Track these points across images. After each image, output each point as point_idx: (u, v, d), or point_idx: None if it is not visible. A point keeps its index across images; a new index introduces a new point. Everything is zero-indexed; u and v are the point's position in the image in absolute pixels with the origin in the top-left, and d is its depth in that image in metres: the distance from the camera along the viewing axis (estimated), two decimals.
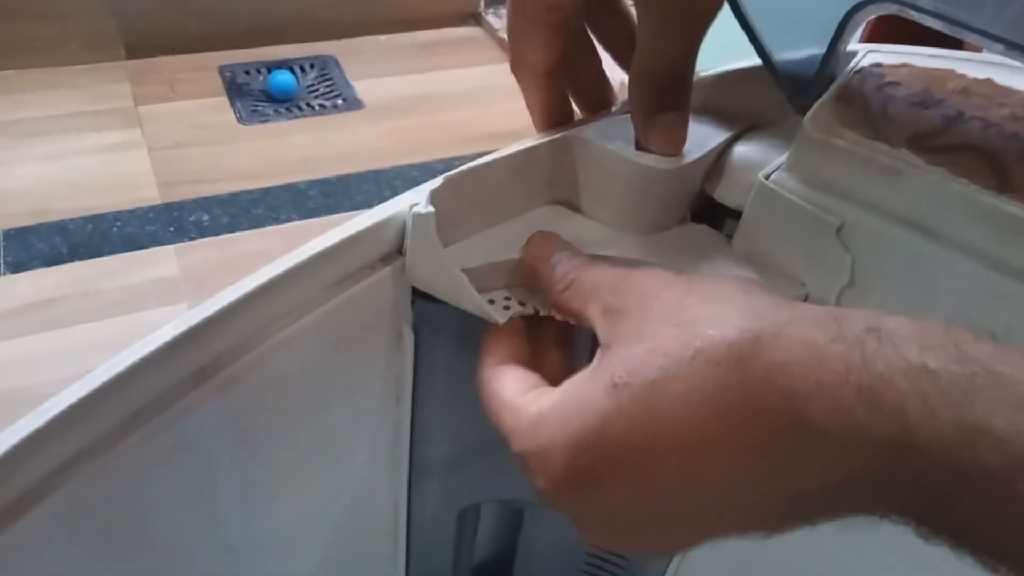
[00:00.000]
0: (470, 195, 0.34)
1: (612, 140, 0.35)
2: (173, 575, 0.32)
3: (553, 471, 0.26)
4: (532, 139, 0.36)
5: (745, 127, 0.38)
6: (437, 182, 0.32)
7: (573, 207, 0.38)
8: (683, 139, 0.35)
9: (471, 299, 0.32)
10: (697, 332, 0.23)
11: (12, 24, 1.40)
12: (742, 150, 0.37)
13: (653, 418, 0.23)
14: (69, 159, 1.32)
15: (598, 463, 0.24)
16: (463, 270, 0.32)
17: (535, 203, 0.37)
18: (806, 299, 0.35)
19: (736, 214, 0.37)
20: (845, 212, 0.32)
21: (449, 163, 1.54)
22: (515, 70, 0.37)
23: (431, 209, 0.31)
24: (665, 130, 0.34)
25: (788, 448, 0.21)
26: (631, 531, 0.26)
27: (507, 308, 0.34)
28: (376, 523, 0.42)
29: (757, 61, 0.38)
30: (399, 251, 0.33)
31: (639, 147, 0.35)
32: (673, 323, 0.25)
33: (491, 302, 0.34)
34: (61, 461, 0.25)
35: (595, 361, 0.27)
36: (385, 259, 0.33)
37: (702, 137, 0.37)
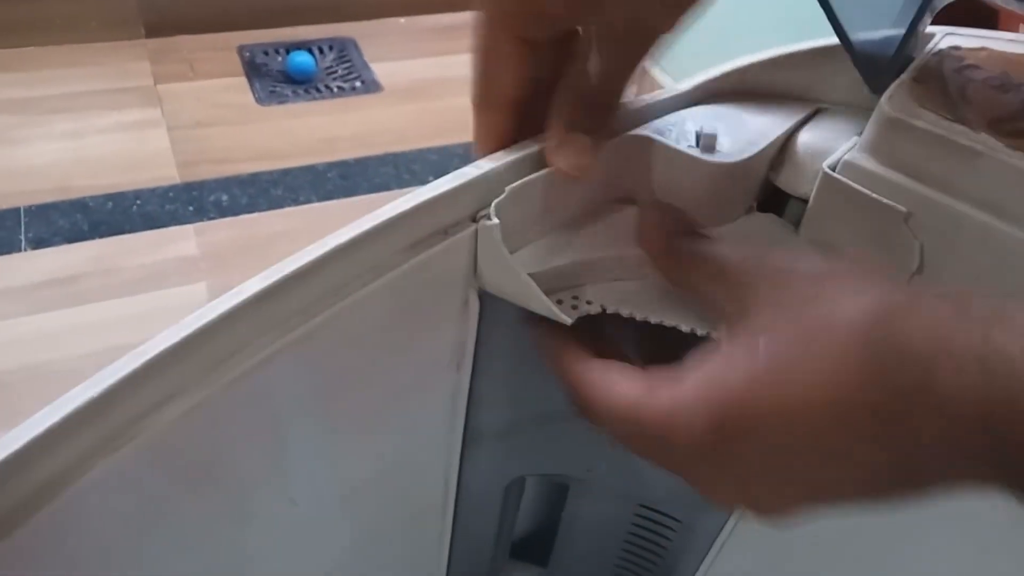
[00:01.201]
0: (533, 203, 0.34)
1: (673, 136, 0.35)
2: (243, 524, 0.32)
3: (696, 431, 0.26)
4: None
5: (810, 112, 0.38)
6: (502, 194, 0.33)
7: (633, 203, 0.38)
8: (589, 166, 0.33)
9: (539, 302, 0.33)
10: (836, 306, 0.25)
11: (34, 2, 1.40)
12: (806, 137, 0.37)
13: (794, 384, 0.24)
14: (89, 137, 1.32)
15: (740, 423, 0.25)
16: (530, 275, 0.33)
17: (597, 203, 0.38)
18: None
19: (802, 199, 0.37)
20: (919, 193, 0.32)
21: (467, 147, 1.54)
22: (481, 98, 0.35)
23: (496, 221, 0.32)
24: (576, 153, 0.33)
25: (913, 411, 0.22)
26: (760, 492, 0.27)
27: (575, 308, 0.35)
28: (428, 490, 0.42)
29: (816, 42, 0.38)
30: (471, 218, 0.33)
31: (547, 149, 0.33)
32: (811, 297, 0.26)
33: (559, 302, 0.35)
34: (153, 402, 0.25)
35: (724, 332, 0.28)
36: (457, 225, 0.33)
37: (766, 126, 0.37)
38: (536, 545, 0.55)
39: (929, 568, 0.43)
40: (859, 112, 0.36)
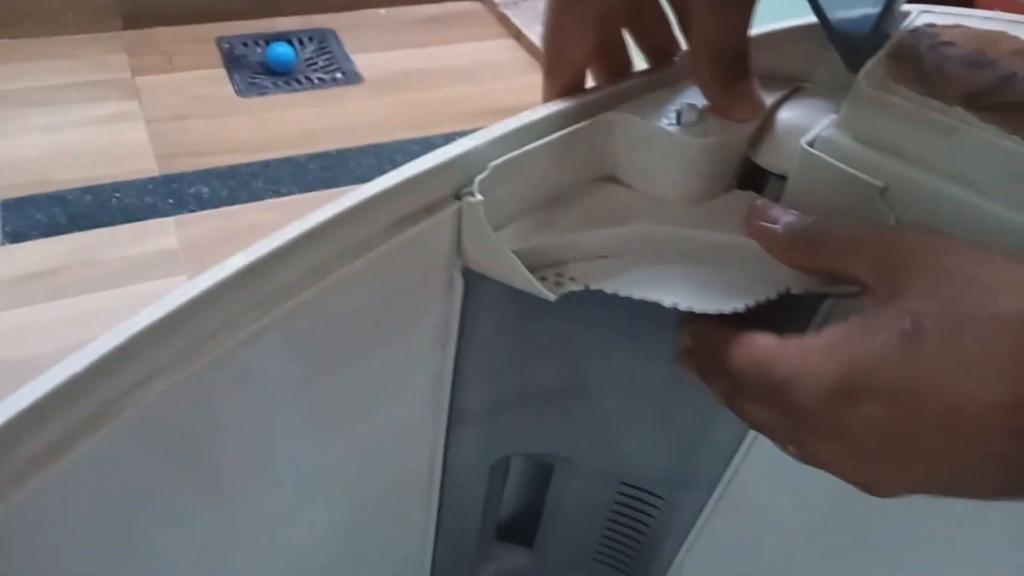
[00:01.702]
0: (516, 180, 0.35)
1: (653, 116, 0.36)
2: (224, 502, 0.32)
3: (823, 381, 0.27)
4: (566, 113, 0.36)
5: (788, 91, 0.39)
6: (485, 171, 0.33)
7: (617, 181, 0.38)
8: (763, 100, 0.36)
9: (523, 278, 0.33)
10: (993, 298, 0.25)
11: None
12: (785, 115, 0.38)
13: (939, 370, 0.24)
14: (67, 130, 1.31)
15: (868, 388, 0.26)
16: (514, 251, 0.33)
17: (581, 181, 0.38)
18: None
19: (781, 176, 0.37)
20: (896, 168, 0.33)
21: (449, 138, 1.53)
22: (552, 66, 0.37)
23: (480, 198, 0.32)
24: (747, 98, 0.35)
25: None
26: (877, 471, 0.28)
27: (558, 284, 0.35)
28: (413, 470, 0.42)
29: (796, 21, 0.38)
30: (454, 195, 0.34)
31: (719, 111, 0.36)
32: (968, 285, 0.26)
33: (542, 279, 0.35)
34: (134, 381, 0.25)
35: (869, 310, 0.29)
36: (441, 203, 0.33)
37: None
38: (522, 526, 0.55)
39: (905, 554, 0.43)
40: (838, 91, 0.37)
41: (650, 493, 0.49)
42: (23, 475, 0.24)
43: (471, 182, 0.33)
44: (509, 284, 0.33)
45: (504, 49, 1.64)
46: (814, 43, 0.37)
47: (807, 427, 0.29)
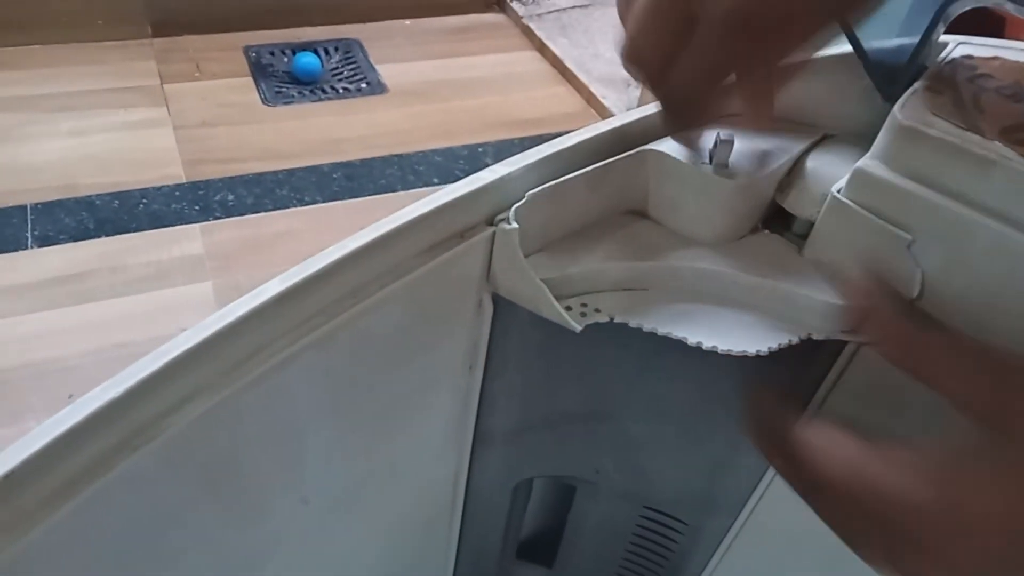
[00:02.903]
0: (549, 209, 0.35)
1: (687, 153, 0.36)
2: (256, 521, 0.33)
3: (940, 515, 0.25)
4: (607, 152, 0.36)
5: (818, 138, 0.39)
6: (522, 199, 0.33)
7: (647, 215, 0.38)
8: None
9: (551, 307, 0.33)
10: None
11: (40, 0, 1.40)
12: (815, 161, 0.38)
13: None
14: (95, 135, 1.33)
15: (990, 527, 0.25)
16: (543, 280, 0.34)
17: (610, 213, 0.38)
18: None
19: (808, 221, 0.37)
20: (932, 201, 0.33)
21: (472, 149, 1.55)
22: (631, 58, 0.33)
23: (516, 226, 0.33)
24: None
25: None
26: (967, 574, 0.26)
27: (583, 315, 0.35)
28: (438, 489, 0.43)
29: (831, 50, 0.38)
30: (487, 222, 0.34)
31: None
32: None
33: (568, 309, 0.35)
34: (172, 403, 0.26)
35: (988, 444, 0.27)
36: (473, 229, 0.33)
37: (776, 148, 0.37)
38: (542, 546, 0.55)
39: None
40: (866, 141, 0.36)
41: (673, 517, 0.49)
42: (61, 497, 0.24)
43: (504, 208, 0.34)
44: (536, 312, 0.34)
45: (527, 61, 1.65)
46: (845, 76, 0.37)
47: (903, 543, 0.27)
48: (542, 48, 1.63)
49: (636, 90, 1.47)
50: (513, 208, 0.33)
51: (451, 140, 1.41)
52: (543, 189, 0.34)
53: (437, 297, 0.34)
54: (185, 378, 0.26)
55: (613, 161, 0.36)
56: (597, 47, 1.62)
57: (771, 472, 0.45)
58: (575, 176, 0.35)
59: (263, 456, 0.31)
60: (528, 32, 1.67)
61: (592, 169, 0.35)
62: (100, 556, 0.27)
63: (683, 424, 0.44)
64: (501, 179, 0.33)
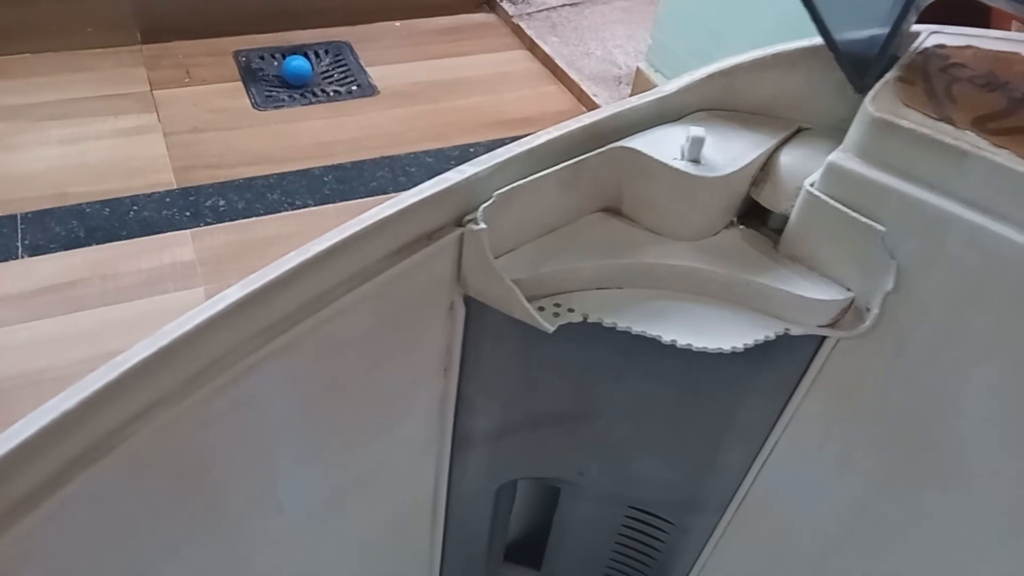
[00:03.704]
0: (520, 209, 0.34)
1: (660, 150, 0.35)
2: (228, 532, 0.32)
3: None
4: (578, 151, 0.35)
5: (791, 132, 0.38)
6: (489, 199, 0.33)
7: (619, 213, 0.38)
8: None
9: (522, 308, 0.33)
10: None
11: (29, 8, 1.40)
12: (788, 156, 0.37)
13: None
14: (86, 143, 1.32)
15: None
16: (514, 280, 0.33)
17: (583, 212, 0.38)
18: (851, 303, 0.35)
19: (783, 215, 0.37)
20: (905, 191, 0.32)
21: (464, 149, 1.55)
22: None
23: (484, 226, 0.32)
24: None
25: None
26: None
27: (556, 315, 0.35)
28: (418, 494, 0.42)
29: (801, 42, 0.37)
30: (455, 223, 0.33)
31: None
32: None
33: (541, 309, 0.35)
34: (132, 413, 0.25)
35: None
36: (441, 230, 0.33)
37: (749, 142, 0.37)
38: (530, 548, 0.55)
39: (929, 556, 0.42)
40: (840, 133, 0.36)
41: (659, 517, 0.48)
42: (18, 512, 0.24)
43: (474, 209, 0.33)
44: (508, 313, 0.33)
45: (518, 60, 1.64)
46: (820, 69, 0.36)
47: None
48: (532, 47, 1.62)
49: (627, 87, 1.47)
50: (481, 208, 0.32)
51: (442, 141, 1.40)
52: (511, 188, 0.33)
53: (407, 300, 0.33)
54: (144, 388, 0.25)
55: (584, 159, 0.35)
56: (588, 45, 1.61)
57: (756, 470, 0.45)
58: (544, 175, 0.34)
59: (233, 465, 0.31)
60: (518, 31, 1.66)
61: (562, 167, 0.35)
62: (67, 568, 0.27)
63: (666, 424, 0.43)
64: (468, 179, 0.32)
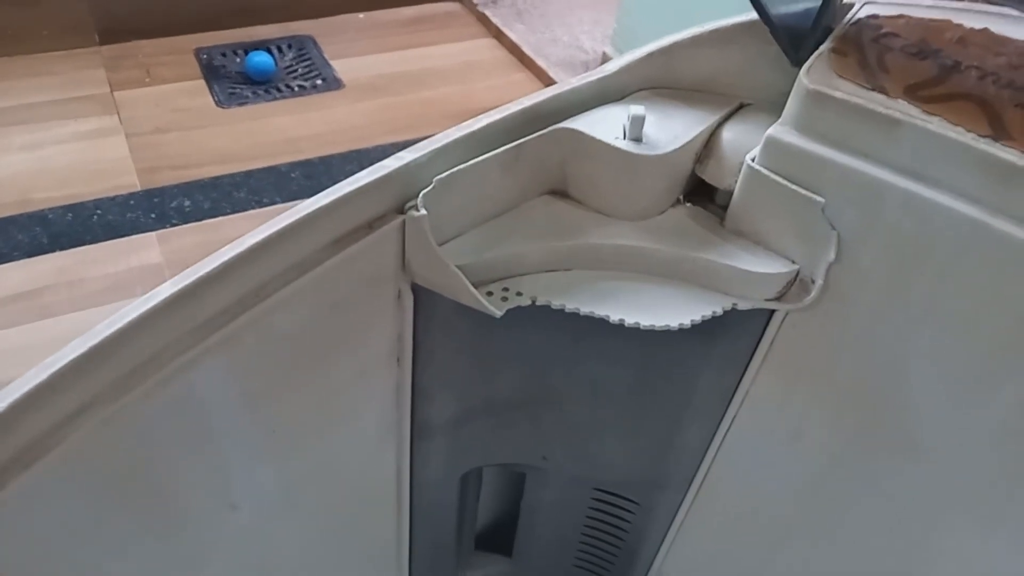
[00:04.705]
0: (462, 194, 0.34)
1: (602, 130, 0.35)
2: (179, 532, 0.32)
3: None
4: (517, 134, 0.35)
5: (733, 108, 0.38)
6: (429, 185, 0.33)
7: (565, 196, 0.38)
8: None
9: (468, 294, 0.33)
10: None
11: None
12: (731, 132, 0.37)
13: None
14: (47, 148, 1.30)
15: None
16: (459, 266, 0.33)
17: (528, 195, 0.38)
18: (796, 276, 0.35)
19: (728, 191, 0.37)
20: (841, 161, 0.32)
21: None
22: None
23: (424, 212, 0.32)
24: None
25: None
26: None
27: (504, 300, 0.35)
28: (380, 486, 0.42)
29: (738, 18, 0.37)
30: (397, 210, 0.33)
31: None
32: None
33: (489, 294, 0.35)
34: (65, 414, 0.25)
35: None
36: (382, 219, 0.33)
37: (691, 120, 0.37)
38: (500, 535, 0.55)
39: (874, 545, 0.43)
40: (780, 108, 0.36)
41: (624, 498, 0.49)
42: None
43: (414, 195, 0.33)
44: (455, 300, 0.33)
45: (484, 49, 1.63)
46: (756, 43, 0.36)
47: None
48: (499, 35, 1.62)
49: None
50: (421, 194, 0.32)
51: (410, 133, 1.39)
52: (452, 173, 0.33)
53: (350, 291, 0.33)
54: (76, 388, 0.25)
55: (525, 141, 0.35)
56: (555, 32, 1.61)
57: (715, 448, 0.45)
58: (485, 159, 0.34)
59: (178, 464, 0.31)
60: (484, 20, 1.65)
61: (503, 150, 0.35)
62: (9, 573, 0.27)
63: (624, 404, 0.43)
64: (407, 165, 0.32)
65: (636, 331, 0.35)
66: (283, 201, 1.25)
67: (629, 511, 0.50)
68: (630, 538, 0.51)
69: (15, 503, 0.25)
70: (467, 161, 0.34)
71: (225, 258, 0.28)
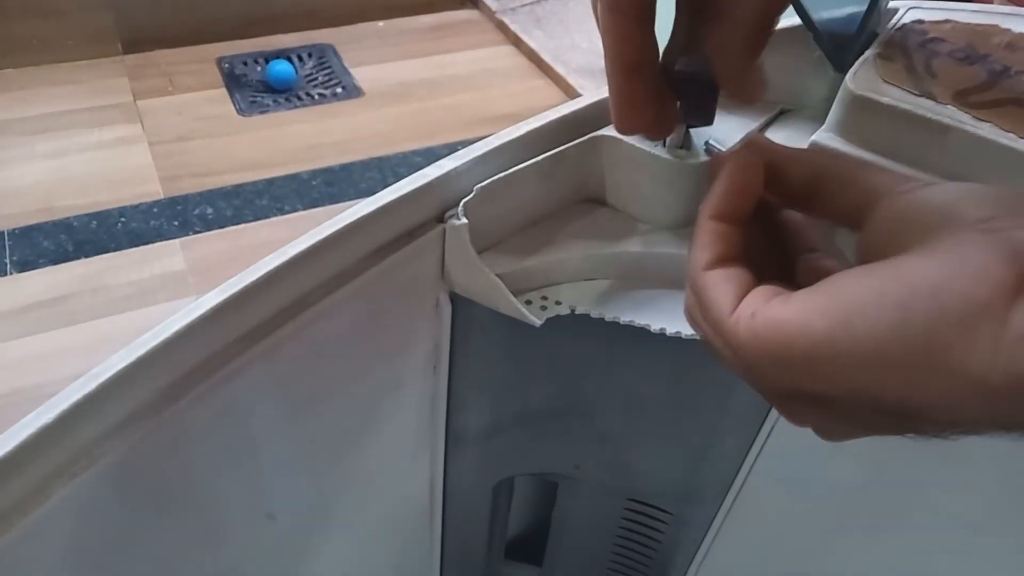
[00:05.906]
0: (502, 202, 0.34)
1: (640, 138, 0.35)
2: (217, 542, 0.32)
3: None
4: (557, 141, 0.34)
5: (774, 114, 0.38)
6: (470, 193, 0.32)
7: (603, 204, 0.38)
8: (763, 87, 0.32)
9: (508, 303, 0.33)
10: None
11: (10, 22, 1.39)
12: (772, 138, 0.37)
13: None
14: (71, 156, 1.31)
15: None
16: (498, 275, 0.33)
17: (566, 203, 0.37)
18: None
19: None
20: (887, 168, 0.32)
21: (452, 147, 1.54)
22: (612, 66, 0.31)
23: (465, 221, 0.32)
24: (760, 79, 0.31)
25: None
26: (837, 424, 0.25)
27: (544, 308, 0.34)
28: (414, 495, 0.42)
29: (781, 24, 0.37)
30: (437, 219, 0.33)
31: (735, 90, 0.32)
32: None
33: (528, 303, 0.34)
34: (111, 425, 0.25)
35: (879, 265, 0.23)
36: (422, 227, 0.33)
37: (732, 127, 0.37)
38: (530, 544, 0.54)
39: (916, 559, 0.42)
40: (822, 114, 0.36)
41: (658, 508, 0.48)
42: None
43: (454, 204, 0.33)
44: (494, 308, 0.33)
45: (503, 56, 1.63)
46: (798, 49, 0.36)
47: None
48: (517, 42, 1.62)
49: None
50: (462, 203, 0.32)
51: (430, 140, 1.40)
52: (492, 182, 0.33)
53: (390, 300, 0.33)
54: (121, 399, 0.25)
55: (564, 149, 0.35)
56: (573, 38, 1.61)
57: (751, 459, 0.44)
58: (525, 167, 0.34)
59: (219, 475, 0.31)
60: (502, 27, 1.65)
61: (542, 158, 0.34)
62: None
63: (660, 414, 0.43)
64: (447, 174, 0.32)
65: (673, 340, 0.34)
66: (304, 208, 1.25)
67: (663, 521, 0.49)
68: (663, 548, 0.51)
69: (56, 517, 0.25)
70: (507, 169, 0.34)
71: (269, 267, 0.28)
